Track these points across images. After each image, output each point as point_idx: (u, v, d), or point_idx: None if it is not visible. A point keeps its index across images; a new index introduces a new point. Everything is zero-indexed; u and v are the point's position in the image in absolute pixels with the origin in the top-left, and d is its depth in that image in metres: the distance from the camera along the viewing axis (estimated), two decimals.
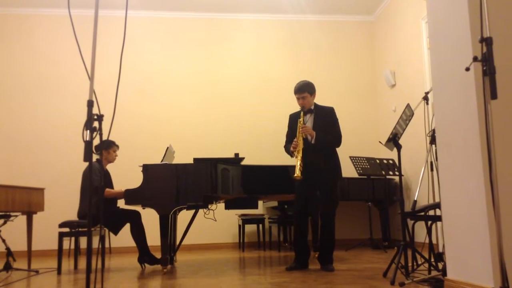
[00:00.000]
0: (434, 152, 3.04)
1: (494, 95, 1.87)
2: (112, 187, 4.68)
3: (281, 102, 6.54)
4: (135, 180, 4.30)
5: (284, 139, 4.24)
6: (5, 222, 4.22)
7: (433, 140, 3.26)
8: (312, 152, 3.91)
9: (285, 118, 4.27)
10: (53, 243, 4.73)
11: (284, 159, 4.88)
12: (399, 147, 3.37)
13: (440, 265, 3.20)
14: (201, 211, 4.62)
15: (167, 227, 3.97)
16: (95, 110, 1.99)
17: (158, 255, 4.16)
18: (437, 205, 3.19)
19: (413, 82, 5.91)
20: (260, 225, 6.16)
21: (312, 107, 4.08)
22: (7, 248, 4.15)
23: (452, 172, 2.55)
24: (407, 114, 3.47)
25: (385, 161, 5.54)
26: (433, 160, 3.47)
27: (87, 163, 1.94)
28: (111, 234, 5.30)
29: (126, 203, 4.02)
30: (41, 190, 4.78)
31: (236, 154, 4.83)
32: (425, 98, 3.75)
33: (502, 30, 2.31)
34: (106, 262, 4.96)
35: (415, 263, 3.38)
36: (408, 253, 3.23)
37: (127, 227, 4.41)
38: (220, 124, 6.81)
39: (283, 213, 5.86)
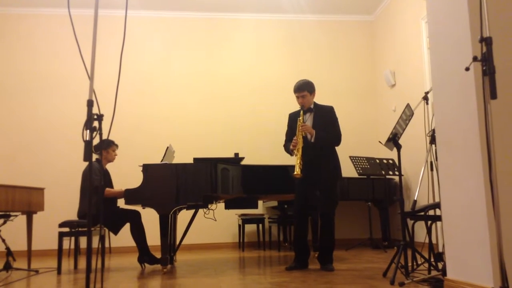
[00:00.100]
0: (434, 152, 3.04)
1: (494, 95, 1.87)
2: (112, 186, 4.68)
3: (281, 102, 6.53)
4: (135, 180, 4.30)
5: (283, 138, 4.24)
6: (5, 222, 4.22)
7: (433, 140, 3.26)
8: (311, 151, 3.91)
9: (285, 118, 4.27)
10: (53, 243, 4.73)
11: (284, 159, 4.88)
12: (399, 147, 3.37)
13: (440, 265, 3.20)
14: (201, 211, 4.62)
15: (167, 226, 3.97)
16: (95, 110, 1.99)
17: (158, 254, 4.16)
18: (437, 205, 3.19)
19: (413, 82, 5.91)
20: (260, 225, 6.16)
21: (312, 106, 4.08)
22: (7, 248, 4.15)
23: (452, 172, 2.55)
24: (407, 114, 3.47)
25: (385, 161, 5.54)
26: (433, 160, 3.47)
27: (87, 163, 1.94)
28: (111, 234, 5.30)
29: (126, 203, 4.02)
30: (41, 190, 4.78)
31: (236, 154, 4.82)
32: (425, 98, 3.75)
33: (502, 30, 2.31)
34: (106, 262, 4.96)
35: (415, 263, 3.38)
36: (408, 253, 3.23)
37: (127, 226, 4.41)
38: (220, 124, 6.81)
39: (283, 213, 5.86)
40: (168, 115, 6.76)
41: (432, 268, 3.23)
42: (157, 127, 6.69)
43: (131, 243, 4.39)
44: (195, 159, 4.21)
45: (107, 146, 4.55)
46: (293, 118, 4.15)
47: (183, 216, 5.14)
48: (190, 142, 6.55)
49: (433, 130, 3.15)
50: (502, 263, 1.88)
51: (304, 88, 4.02)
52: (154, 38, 6.94)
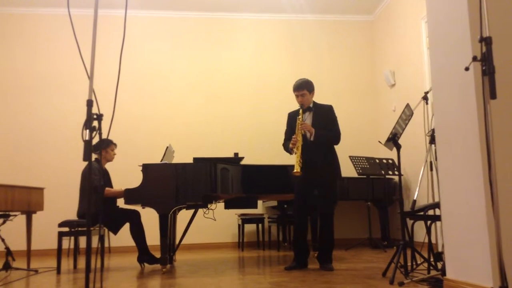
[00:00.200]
0: (434, 151, 3.05)
1: (493, 95, 1.87)
2: (111, 186, 4.68)
3: (280, 102, 6.52)
4: (134, 179, 4.29)
5: (283, 138, 4.24)
6: (4, 222, 4.21)
7: (432, 140, 3.27)
8: (310, 149, 3.91)
9: (284, 118, 4.27)
10: (52, 242, 4.73)
11: (283, 159, 4.89)
12: (398, 147, 3.37)
13: (439, 265, 3.20)
14: (200, 210, 4.62)
15: (166, 226, 3.97)
16: (94, 110, 1.99)
17: (157, 254, 4.16)
18: (436, 205, 3.19)
19: (412, 82, 5.91)
20: (260, 225, 6.16)
21: (311, 105, 4.08)
22: (7, 248, 4.15)
23: (451, 172, 2.55)
24: (407, 114, 3.47)
25: (384, 161, 5.54)
26: (432, 160, 3.47)
27: (86, 163, 1.94)
28: (111, 234, 5.30)
29: (126, 202, 4.02)
30: (40, 190, 4.77)
31: (236, 154, 4.82)
32: (425, 98, 3.75)
33: (502, 29, 2.31)
34: (105, 261, 4.96)
35: (414, 263, 3.38)
36: (408, 253, 3.23)
37: (126, 226, 4.41)
38: (219, 124, 6.81)
39: (283, 212, 5.86)
40: (167, 114, 6.76)
41: (431, 268, 3.23)
42: (157, 126, 6.69)
43: (131, 242, 4.39)
44: (194, 158, 4.21)
45: (106, 146, 4.54)
46: (292, 117, 4.15)
47: (183, 215, 5.14)
48: (190, 142, 6.55)
49: (433, 130, 3.15)
50: (502, 262, 1.89)
51: (304, 87, 4.02)
52: (154, 38, 6.94)
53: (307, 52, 7.15)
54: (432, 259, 3.31)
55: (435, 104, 2.73)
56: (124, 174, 5.35)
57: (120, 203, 4.28)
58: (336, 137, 4.04)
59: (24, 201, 4.40)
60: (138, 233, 4.35)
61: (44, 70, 6.64)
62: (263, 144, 6.63)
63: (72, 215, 4.53)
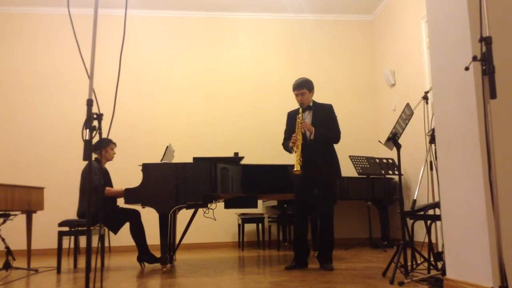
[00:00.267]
0: (434, 151, 3.05)
1: (493, 95, 1.86)
2: (111, 186, 4.68)
3: (280, 101, 6.50)
4: (134, 179, 4.29)
5: (283, 137, 4.24)
6: (4, 221, 4.22)
7: (432, 140, 3.26)
8: (310, 148, 3.91)
9: (285, 117, 4.27)
10: (52, 242, 4.73)
11: (283, 158, 4.89)
12: (398, 147, 3.37)
13: (439, 265, 3.20)
14: (200, 210, 4.62)
15: (166, 226, 3.98)
16: (94, 109, 1.99)
17: (157, 254, 4.16)
18: (436, 205, 3.19)
19: (412, 82, 5.91)
20: (260, 224, 6.16)
21: (311, 104, 4.08)
22: (7, 247, 4.16)
23: (451, 172, 2.55)
24: (407, 114, 3.47)
25: (384, 161, 5.54)
26: (432, 160, 3.47)
27: (86, 162, 1.94)
28: (111, 233, 5.30)
29: (126, 202, 4.02)
30: (40, 189, 4.78)
31: (236, 153, 4.82)
32: (425, 98, 3.75)
33: (502, 29, 2.31)
34: (105, 261, 4.96)
35: (414, 263, 3.38)
36: (408, 253, 3.23)
37: (126, 226, 4.41)
38: (219, 123, 6.81)
39: (283, 212, 5.86)
40: (167, 114, 6.76)
41: (431, 267, 3.23)
42: (157, 126, 6.69)
43: (131, 242, 4.39)
44: (194, 158, 4.21)
45: (106, 145, 4.55)
46: (292, 116, 4.15)
47: (183, 215, 5.14)
48: (190, 142, 6.55)
49: (433, 130, 3.15)
50: (502, 262, 1.89)
51: (303, 86, 4.03)
52: (154, 37, 6.94)
53: (307, 52, 7.15)
54: (432, 259, 3.32)
55: (435, 104, 2.74)
56: (124, 173, 5.36)
57: (120, 202, 4.28)
58: (336, 136, 4.04)
59: (24, 200, 4.40)
60: (138, 232, 4.35)
61: (44, 70, 6.64)
62: (263, 143, 6.63)
63: (72, 214, 4.53)
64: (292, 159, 3.99)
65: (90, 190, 2.04)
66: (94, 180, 4.27)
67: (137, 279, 3.70)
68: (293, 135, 3.91)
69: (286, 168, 4.64)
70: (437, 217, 3.14)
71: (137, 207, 4.48)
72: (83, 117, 1.94)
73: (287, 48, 7.16)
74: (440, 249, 3.35)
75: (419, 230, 4.80)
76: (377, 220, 6.18)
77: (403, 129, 3.44)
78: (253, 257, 5.10)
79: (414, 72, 5.88)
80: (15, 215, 4.36)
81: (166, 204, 3.97)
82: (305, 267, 3.96)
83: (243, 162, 4.64)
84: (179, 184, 3.99)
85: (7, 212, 4.22)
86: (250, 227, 6.32)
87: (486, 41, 1.92)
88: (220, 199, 4.84)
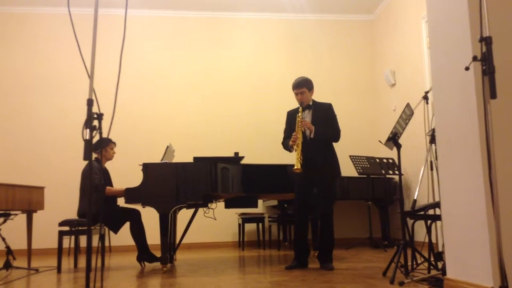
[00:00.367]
0: (434, 151, 3.05)
1: (493, 95, 1.87)
2: (111, 185, 4.68)
3: (281, 101, 6.48)
4: (135, 179, 4.30)
5: (283, 136, 4.25)
6: (5, 221, 4.22)
7: (433, 140, 3.26)
8: (310, 147, 3.91)
9: (285, 117, 4.27)
10: (53, 241, 4.74)
11: (284, 158, 4.89)
12: (399, 147, 3.37)
13: (439, 264, 3.20)
14: (201, 210, 4.62)
15: (167, 225, 3.98)
16: (95, 109, 1.99)
17: (158, 253, 4.16)
18: (436, 204, 3.19)
19: (413, 82, 5.91)
20: (260, 224, 6.16)
21: (311, 103, 4.08)
22: (7, 247, 4.16)
23: (451, 171, 2.55)
24: (407, 114, 3.46)
25: (385, 160, 5.54)
26: (432, 160, 3.47)
27: (86, 162, 1.94)
28: (111, 233, 5.31)
29: (126, 201, 4.02)
30: (41, 189, 4.78)
31: (236, 153, 4.82)
32: (425, 98, 3.75)
33: (502, 29, 2.31)
34: (106, 260, 4.97)
35: (414, 262, 3.38)
36: (408, 252, 3.23)
37: (127, 225, 4.41)
38: (220, 123, 6.81)
39: (283, 212, 5.86)
40: (168, 114, 6.76)
41: (432, 267, 3.23)
42: (157, 126, 6.69)
43: (131, 242, 4.39)
44: (195, 158, 4.21)
45: (106, 145, 4.55)
46: (291, 116, 4.15)
47: (183, 215, 5.14)
48: (190, 141, 6.55)
49: (433, 130, 3.15)
50: (502, 262, 1.89)
51: (303, 85, 4.03)
52: (154, 37, 6.94)
53: (307, 52, 7.15)
54: (432, 259, 3.32)
55: (435, 104, 2.73)
56: (125, 173, 5.36)
57: (121, 202, 4.28)
58: (336, 134, 4.04)
59: (24, 200, 4.41)
60: (138, 232, 4.35)
61: (44, 69, 6.64)
62: (263, 143, 6.62)
63: (73, 214, 4.54)
64: (292, 159, 3.99)
65: (91, 189, 2.04)
66: (95, 180, 4.27)
67: (137, 278, 3.70)
68: (293, 133, 3.91)
69: (286, 168, 4.64)
70: (437, 217, 3.14)
71: (138, 207, 4.49)
72: (83, 117, 1.94)
73: (287, 48, 7.16)
74: (440, 249, 3.35)
75: (420, 230, 4.80)
76: (378, 220, 6.18)
77: (404, 129, 3.44)
78: (254, 257, 5.10)
79: (414, 72, 5.88)
80: (16, 214, 4.36)
81: (166, 203, 3.97)
82: (305, 267, 3.96)
83: (243, 161, 4.64)
84: (180, 184, 3.99)
85: (8, 212, 4.22)
86: (250, 226, 6.32)
87: (486, 41, 1.92)
88: (221, 199, 4.84)
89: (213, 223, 5.22)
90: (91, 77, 2.03)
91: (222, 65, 7.00)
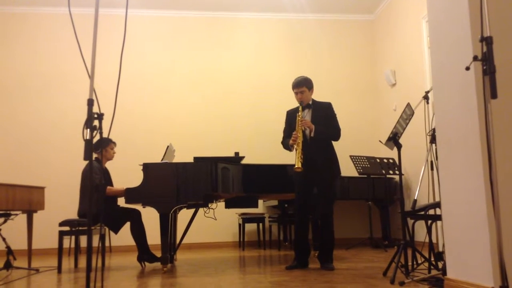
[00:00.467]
0: (434, 151, 3.04)
1: (494, 95, 1.86)
2: (111, 185, 4.68)
3: (281, 101, 6.47)
4: (135, 178, 4.30)
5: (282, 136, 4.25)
6: (5, 221, 4.22)
7: (433, 139, 3.26)
8: (310, 147, 3.90)
9: (285, 117, 4.26)
10: (53, 241, 4.74)
11: (284, 158, 4.88)
12: (399, 146, 3.37)
13: (440, 264, 3.20)
14: (201, 210, 4.62)
15: (167, 225, 3.98)
16: (95, 109, 1.99)
17: (158, 253, 4.16)
18: (437, 204, 3.19)
19: (413, 81, 5.91)
20: (260, 224, 6.16)
21: (310, 102, 4.08)
22: (8, 247, 4.16)
23: (452, 171, 2.55)
24: (408, 113, 3.46)
25: (385, 160, 5.54)
26: (433, 159, 3.46)
27: (87, 162, 1.94)
28: (112, 233, 5.30)
29: (127, 201, 4.02)
30: (41, 189, 4.78)
31: (236, 153, 4.82)
32: (426, 97, 3.75)
33: (502, 29, 2.31)
34: (106, 260, 4.97)
35: (415, 262, 3.38)
36: (408, 252, 3.23)
37: (127, 225, 4.41)
38: (220, 123, 6.82)
39: (283, 212, 5.87)
40: (168, 114, 6.77)
41: (432, 267, 3.23)
42: (157, 126, 6.69)
43: (132, 242, 4.39)
44: (195, 158, 4.21)
45: (106, 145, 4.54)
46: (291, 115, 4.15)
47: (183, 215, 5.14)
48: (191, 141, 6.55)
49: (434, 130, 3.15)
50: (502, 262, 1.89)
51: (303, 84, 4.03)
52: (155, 37, 6.94)
53: (307, 52, 7.15)
54: (432, 259, 3.32)
55: (435, 104, 2.73)
56: (125, 173, 5.36)
57: (121, 202, 4.28)
58: (336, 133, 4.04)
59: (25, 200, 4.41)
60: (138, 232, 4.35)
61: (45, 69, 6.64)
62: (264, 143, 6.62)
63: (73, 214, 4.54)
64: (292, 159, 3.99)
65: (91, 189, 2.04)
66: (95, 180, 4.27)
67: (138, 278, 3.70)
68: (294, 133, 3.91)
69: (286, 168, 4.64)
70: (438, 217, 3.14)
71: (138, 207, 4.49)
72: (83, 116, 1.94)
73: (287, 48, 7.16)
74: (440, 249, 3.35)
75: (420, 230, 4.80)
76: (378, 220, 6.17)
77: (404, 129, 3.43)
78: (254, 257, 5.10)
79: (414, 71, 5.88)
80: (16, 214, 4.36)
81: (166, 203, 3.97)
82: (305, 267, 3.96)
83: (243, 161, 4.64)
84: (180, 184, 3.99)
85: (8, 212, 4.22)
86: (250, 226, 6.32)
87: (487, 41, 1.92)
88: (221, 199, 4.84)
89: (214, 223, 5.22)
90: (91, 77, 2.03)
91: (223, 65, 7.00)
